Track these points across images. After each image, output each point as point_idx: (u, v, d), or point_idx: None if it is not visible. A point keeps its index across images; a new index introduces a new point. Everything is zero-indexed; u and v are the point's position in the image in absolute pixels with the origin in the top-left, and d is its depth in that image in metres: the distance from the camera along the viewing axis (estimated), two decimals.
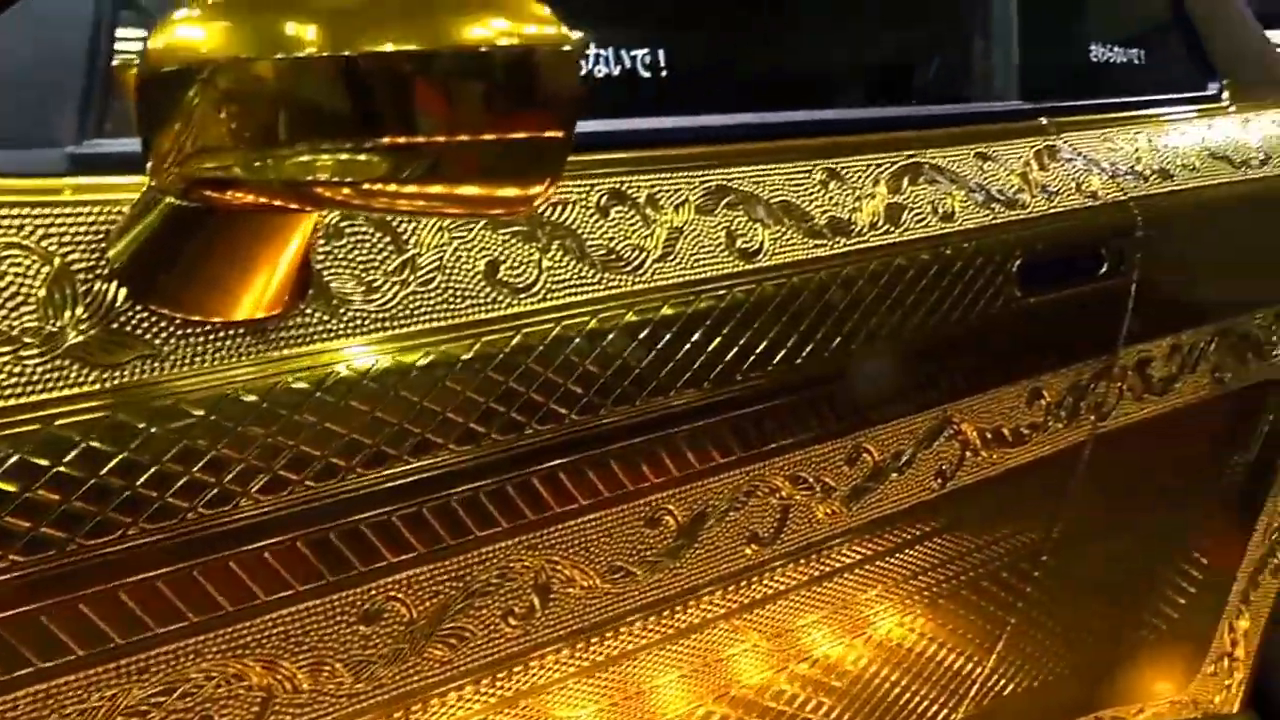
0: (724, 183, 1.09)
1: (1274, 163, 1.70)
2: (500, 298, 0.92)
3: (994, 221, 1.29)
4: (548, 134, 0.71)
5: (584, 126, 1.03)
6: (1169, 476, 1.63)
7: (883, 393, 1.19)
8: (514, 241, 0.94)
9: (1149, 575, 1.65)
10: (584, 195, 1.00)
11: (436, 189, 0.71)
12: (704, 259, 1.04)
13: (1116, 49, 1.61)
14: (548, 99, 0.71)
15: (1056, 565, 1.49)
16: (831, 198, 1.16)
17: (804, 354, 1.10)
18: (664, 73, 1.10)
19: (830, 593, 1.25)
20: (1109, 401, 1.46)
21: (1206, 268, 1.57)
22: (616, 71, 1.06)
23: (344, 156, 0.67)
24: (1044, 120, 1.44)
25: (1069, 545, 1.50)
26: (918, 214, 1.22)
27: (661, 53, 1.10)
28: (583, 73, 1.04)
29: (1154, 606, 1.67)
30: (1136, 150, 1.52)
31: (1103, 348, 1.43)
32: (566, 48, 0.71)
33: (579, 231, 0.98)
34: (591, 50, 1.05)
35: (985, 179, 1.31)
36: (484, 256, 0.93)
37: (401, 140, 0.69)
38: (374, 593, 0.88)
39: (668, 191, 1.05)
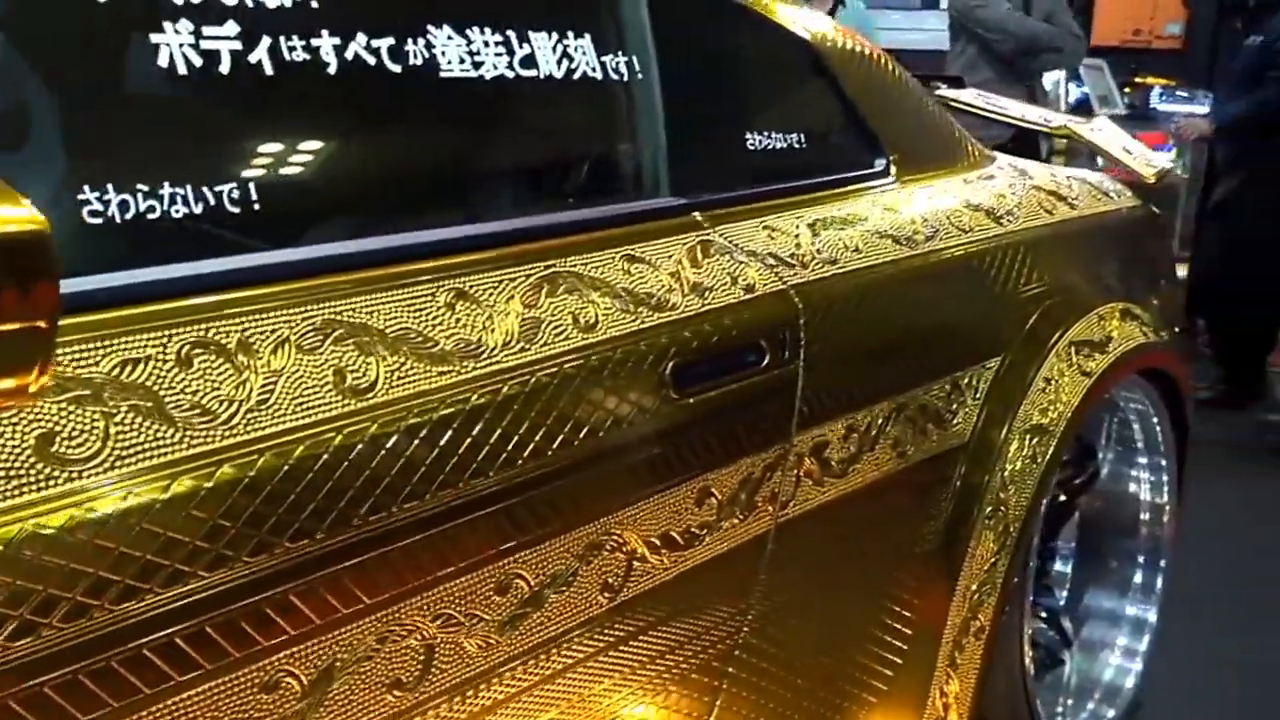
0: (332, 317, 1.04)
1: (941, 236, 1.75)
2: (55, 473, 0.85)
3: (642, 326, 1.27)
4: (31, 322, 0.66)
5: (162, 273, 0.98)
6: (865, 551, 1.65)
7: (531, 516, 1.16)
8: (74, 409, 0.87)
9: (856, 647, 1.66)
10: (161, 348, 0.93)
11: None
12: (308, 402, 0.99)
13: (775, 135, 1.64)
14: (25, 286, 0.66)
15: (753, 654, 1.48)
16: (459, 320, 1.13)
17: (434, 489, 1.06)
18: (257, 206, 1.04)
19: (517, 711, 1.20)
20: (787, 490, 1.46)
21: (877, 346, 1.60)
22: (199, 209, 1.01)
23: None
24: (698, 215, 1.45)
25: (766, 630, 1.50)
26: (557, 327, 1.20)
27: (252, 185, 1.04)
28: (158, 214, 0.99)
29: (864, 679, 1.67)
30: (797, 237, 1.54)
31: (774, 438, 1.43)
32: (38, 229, 0.66)
33: (155, 389, 0.92)
34: (167, 189, 0.99)
35: (632, 283, 1.30)
36: (36, 429, 0.85)
37: None
38: None
39: (263, 334, 0.99)
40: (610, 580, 1.25)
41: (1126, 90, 6.22)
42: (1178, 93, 6.17)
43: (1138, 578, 2.32)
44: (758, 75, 1.71)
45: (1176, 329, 2.51)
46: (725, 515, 1.38)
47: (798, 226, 1.56)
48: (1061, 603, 2.34)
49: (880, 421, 1.59)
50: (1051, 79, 5.25)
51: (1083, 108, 5.77)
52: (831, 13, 5.85)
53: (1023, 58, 4.67)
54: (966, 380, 1.75)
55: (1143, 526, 2.31)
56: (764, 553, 1.46)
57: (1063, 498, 2.26)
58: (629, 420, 1.24)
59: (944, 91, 2.88)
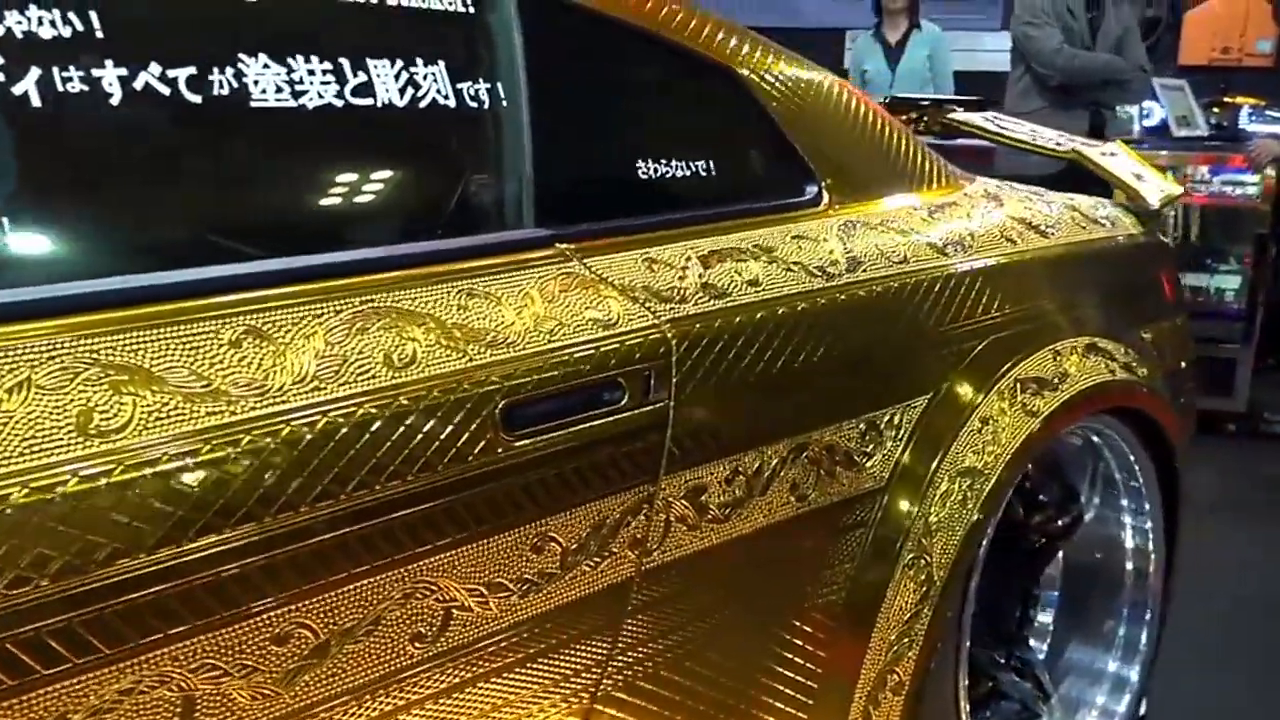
0: (87, 355, 1.01)
1: (866, 267, 1.67)
2: None
3: (469, 364, 1.22)
4: None
5: None
6: (759, 598, 1.56)
7: (318, 563, 1.11)
8: None
9: (750, 700, 1.57)
10: None
11: None
12: (40, 444, 0.96)
13: (676, 163, 1.57)
14: None
15: (621, 708, 1.41)
16: (244, 358, 1.09)
17: (191, 533, 1.02)
18: (6, 245, 1.02)
19: None
20: (654, 536, 1.39)
21: (772, 383, 1.51)
22: None
23: None
24: (563, 247, 1.39)
25: (636, 683, 1.42)
26: (363, 366, 1.15)
27: (5, 219, 1.02)
28: None
29: None
30: (684, 269, 1.47)
31: (636, 481, 1.36)
32: None
33: None
34: None
35: (465, 318, 1.24)
36: None
37: None
38: None
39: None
40: (423, 630, 1.20)
41: (1215, 110, 5.95)
42: (1268, 112, 5.89)
43: (1121, 632, 2.18)
44: (655, 100, 1.64)
45: (1183, 363, 2.37)
46: (572, 562, 1.31)
47: (688, 258, 1.49)
48: (1041, 655, 2.21)
49: (775, 463, 1.51)
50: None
51: (1163, 130, 5.56)
52: (906, 35, 5.75)
53: (1081, 90, 4.47)
54: (886, 419, 1.65)
55: (1127, 578, 2.17)
56: (626, 600, 1.39)
57: (1042, 541, 2.14)
58: (444, 463, 1.18)
59: (956, 115, 2.78)
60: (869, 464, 1.63)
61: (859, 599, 1.63)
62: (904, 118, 2.78)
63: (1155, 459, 2.11)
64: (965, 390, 1.74)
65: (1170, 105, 5.47)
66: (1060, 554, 2.21)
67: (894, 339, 1.69)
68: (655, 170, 1.55)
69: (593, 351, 1.32)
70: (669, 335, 1.40)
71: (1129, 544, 2.16)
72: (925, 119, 2.83)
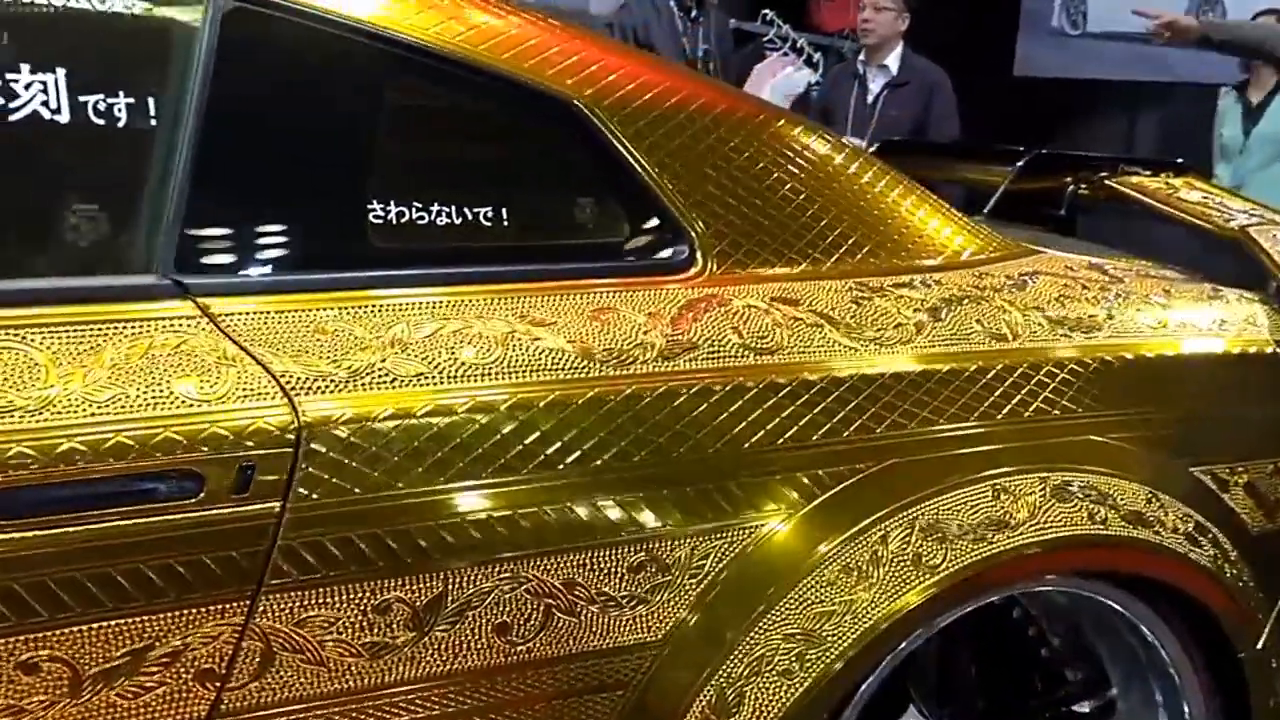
0: None
1: (699, 356, 1.29)
2: None
3: None
4: None
5: None
6: None
7: None
8: None
9: None
10: None
11: None
12: None
13: (446, 208, 1.28)
14: None
15: None
16: None
17: None
18: None
19: None
20: (242, 669, 1.10)
21: (480, 493, 1.17)
22: None
23: None
24: (202, 300, 1.14)
25: None
26: None
27: None
28: None
29: None
30: (378, 341, 1.17)
31: (210, 597, 1.08)
32: None
33: None
34: None
35: None
36: None
37: None
38: None
39: None
40: None
41: None
42: None
43: None
44: (426, 133, 1.35)
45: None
46: (93, 689, 1.05)
47: (401, 329, 1.19)
48: None
49: (469, 595, 1.17)
50: None
51: None
52: (1271, 94, 4.82)
53: None
54: (679, 553, 1.26)
55: None
56: None
57: None
58: None
59: (1125, 176, 2.24)
60: (640, 609, 1.25)
61: None
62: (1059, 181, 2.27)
63: (1200, 650, 1.54)
64: (821, 526, 1.31)
65: None
66: None
67: (710, 451, 1.27)
68: (399, 216, 1.26)
69: (156, 432, 1.06)
70: (304, 420, 1.11)
71: None
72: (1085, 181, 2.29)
